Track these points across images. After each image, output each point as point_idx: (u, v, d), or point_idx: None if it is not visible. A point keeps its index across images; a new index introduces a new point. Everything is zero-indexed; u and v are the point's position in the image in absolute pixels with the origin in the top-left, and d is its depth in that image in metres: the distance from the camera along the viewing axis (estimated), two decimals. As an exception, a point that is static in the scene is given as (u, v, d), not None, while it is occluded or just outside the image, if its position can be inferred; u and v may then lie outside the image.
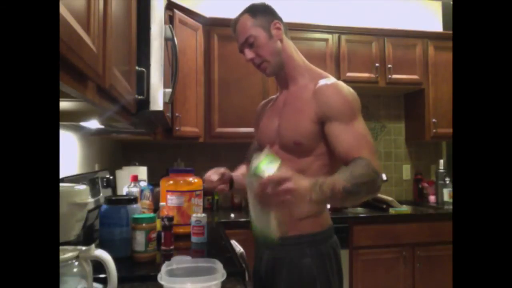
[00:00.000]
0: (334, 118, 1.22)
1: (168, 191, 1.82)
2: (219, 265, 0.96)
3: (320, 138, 1.26)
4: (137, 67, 1.27)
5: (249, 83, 2.83)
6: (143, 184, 1.94)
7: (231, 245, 1.70)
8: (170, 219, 1.56)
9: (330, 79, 1.30)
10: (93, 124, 1.40)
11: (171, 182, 1.84)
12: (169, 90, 1.41)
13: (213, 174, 1.39)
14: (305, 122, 1.26)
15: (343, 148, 1.19)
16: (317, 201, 1.05)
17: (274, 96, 1.53)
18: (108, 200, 1.46)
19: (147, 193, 1.87)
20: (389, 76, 3.02)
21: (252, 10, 1.36)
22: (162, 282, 0.90)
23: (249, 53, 1.35)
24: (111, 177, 2.15)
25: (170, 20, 2.40)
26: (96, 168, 2.21)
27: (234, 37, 1.40)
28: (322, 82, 1.28)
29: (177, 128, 2.50)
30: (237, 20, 1.38)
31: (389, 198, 2.94)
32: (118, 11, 0.97)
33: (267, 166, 0.99)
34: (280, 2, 2.19)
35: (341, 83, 1.28)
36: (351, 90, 1.27)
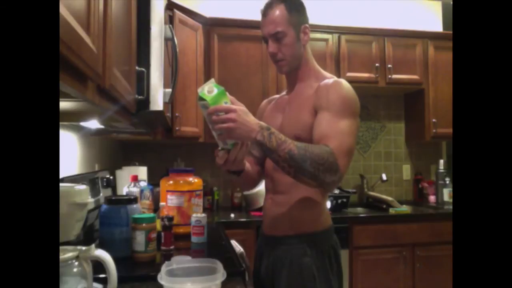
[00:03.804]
0: (324, 108, 1.23)
1: (168, 191, 1.82)
2: (219, 265, 0.96)
3: None
4: (137, 67, 1.27)
5: (249, 83, 2.83)
6: (143, 184, 1.94)
7: (231, 245, 1.70)
8: (170, 219, 1.56)
9: (334, 78, 1.31)
10: (93, 124, 1.40)
11: (171, 182, 1.84)
12: (169, 90, 1.41)
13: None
14: (305, 116, 1.28)
15: (318, 134, 1.21)
16: (260, 145, 1.10)
17: (277, 96, 1.55)
18: (108, 200, 1.46)
19: (147, 193, 1.87)
20: (389, 76, 3.02)
21: (289, 3, 1.30)
22: (162, 282, 0.90)
23: (272, 47, 1.31)
24: (111, 177, 2.15)
25: (170, 20, 2.40)
26: (96, 168, 2.21)
27: (261, 20, 1.33)
28: (325, 80, 1.30)
29: (177, 128, 2.50)
30: (271, 4, 1.31)
31: (389, 198, 2.94)
32: (118, 11, 0.97)
33: (213, 89, 1.09)
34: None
35: (344, 81, 1.28)
36: (352, 90, 1.27)
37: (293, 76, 1.39)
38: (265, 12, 1.32)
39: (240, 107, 1.10)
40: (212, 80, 1.13)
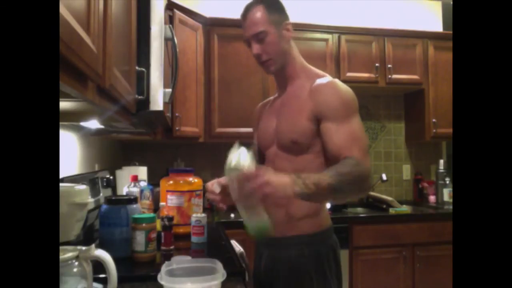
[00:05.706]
0: (329, 117, 1.23)
1: (168, 191, 1.82)
2: (219, 265, 0.97)
3: (317, 135, 1.27)
4: (137, 67, 1.27)
5: (249, 83, 2.83)
6: (143, 184, 1.94)
7: (231, 245, 1.70)
8: (170, 219, 1.56)
9: (327, 78, 1.31)
10: (93, 124, 1.40)
11: (171, 182, 1.84)
12: (169, 90, 1.41)
13: (215, 185, 1.27)
14: (301, 121, 1.27)
15: (335, 147, 1.21)
16: (302, 195, 1.04)
17: (272, 97, 1.54)
18: (108, 200, 1.46)
19: (147, 193, 1.87)
20: (389, 76, 3.02)
21: (267, 3, 1.31)
22: (162, 282, 0.90)
23: (256, 48, 1.31)
24: (111, 177, 2.15)
25: (170, 20, 2.40)
26: (96, 168, 2.21)
27: (242, 24, 1.33)
28: (318, 81, 1.29)
29: (177, 128, 2.50)
30: (250, 7, 1.32)
31: (389, 198, 2.94)
32: (118, 11, 0.97)
33: (242, 159, 1.01)
34: (280, 2, 2.18)
35: (337, 81, 1.29)
36: (348, 88, 1.28)
37: (282, 75, 1.38)
38: (245, 15, 1.33)
39: (261, 168, 1.03)
40: (237, 145, 1.06)
